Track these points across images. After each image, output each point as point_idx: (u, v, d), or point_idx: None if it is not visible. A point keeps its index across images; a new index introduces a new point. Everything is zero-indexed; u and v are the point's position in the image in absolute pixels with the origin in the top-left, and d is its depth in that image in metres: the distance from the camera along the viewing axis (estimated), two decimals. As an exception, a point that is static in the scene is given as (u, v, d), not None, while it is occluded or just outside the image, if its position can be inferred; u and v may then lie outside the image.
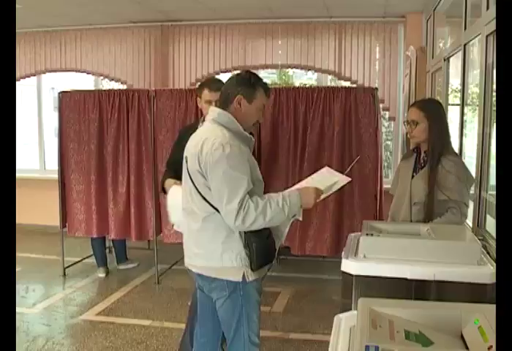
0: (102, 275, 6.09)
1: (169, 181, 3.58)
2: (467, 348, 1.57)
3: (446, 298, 2.08)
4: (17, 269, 6.07)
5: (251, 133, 2.90)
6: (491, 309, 1.73)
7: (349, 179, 2.96)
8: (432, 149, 3.22)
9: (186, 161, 2.84)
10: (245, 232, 2.71)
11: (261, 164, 5.22)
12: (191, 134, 2.97)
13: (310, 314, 4.92)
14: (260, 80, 2.90)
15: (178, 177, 3.20)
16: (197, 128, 3.13)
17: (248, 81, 2.83)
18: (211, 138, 2.70)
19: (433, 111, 3.29)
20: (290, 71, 8.98)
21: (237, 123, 2.78)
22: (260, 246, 2.73)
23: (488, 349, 1.46)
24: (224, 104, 2.83)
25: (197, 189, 2.76)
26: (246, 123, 2.84)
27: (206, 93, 3.65)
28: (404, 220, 3.23)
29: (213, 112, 2.86)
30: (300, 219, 2.83)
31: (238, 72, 2.99)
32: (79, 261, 6.37)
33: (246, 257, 2.73)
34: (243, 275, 2.74)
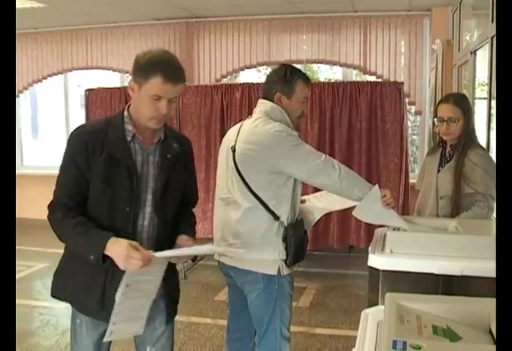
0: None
1: (123, 243, 2.06)
2: (495, 343, 1.56)
3: (474, 293, 2.06)
4: (46, 264, 6.18)
5: None
6: (519, 304, 1.72)
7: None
8: (460, 143, 3.19)
9: (234, 150, 2.80)
10: (285, 227, 2.73)
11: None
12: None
13: (336, 309, 4.92)
14: (297, 71, 2.87)
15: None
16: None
17: (284, 77, 2.82)
18: (268, 125, 2.73)
19: (468, 107, 3.26)
20: (315, 66, 8.95)
21: (288, 119, 2.81)
22: (298, 241, 2.76)
23: (517, 344, 1.45)
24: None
25: (243, 179, 2.74)
26: (291, 118, 2.85)
27: (158, 83, 2.15)
28: (430, 214, 3.21)
29: (265, 104, 2.84)
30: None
31: (275, 67, 2.94)
32: (106, 256, 6.44)
33: (284, 251, 2.74)
34: (279, 268, 2.76)
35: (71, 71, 8.21)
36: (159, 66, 2.17)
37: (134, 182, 2.23)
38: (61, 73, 8.24)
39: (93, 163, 2.18)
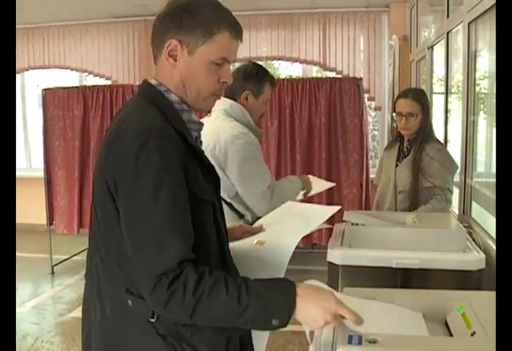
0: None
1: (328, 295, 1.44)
2: (451, 335, 1.57)
3: (432, 286, 2.08)
4: (6, 268, 6.05)
5: None
6: (474, 296, 1.74)
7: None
8: (417, 137, 3.23)
9: None
10: (250, 224, 2.70)
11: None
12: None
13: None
14: (267, 72, 2.84)
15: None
16: None
17: (256, 76, 2.78)
18: (227, 129, 2.68)
19: (426, 102, 3.30)
20: (276, 63, 8.96)
21: (249, 117, 2.77)
22: None
23: (471, 335, 1.46)
24: (230, 98, 2.80)
25: None
26: (253, 117, 2.81)
27: (226, 40, 1.50)
28: (389, 209, 3.24)
29: (224, 103, 2.77)
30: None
31: (244, 63, 2.90)
32: (67, 259, 6.32)
33: None
34: None
35: (28, 70, 8.04)
36: (222, 13, 1.49)
37: (218, 191, 1.61)
38: (18, 73, 8.06)
39: (195, 185, 1.43)
